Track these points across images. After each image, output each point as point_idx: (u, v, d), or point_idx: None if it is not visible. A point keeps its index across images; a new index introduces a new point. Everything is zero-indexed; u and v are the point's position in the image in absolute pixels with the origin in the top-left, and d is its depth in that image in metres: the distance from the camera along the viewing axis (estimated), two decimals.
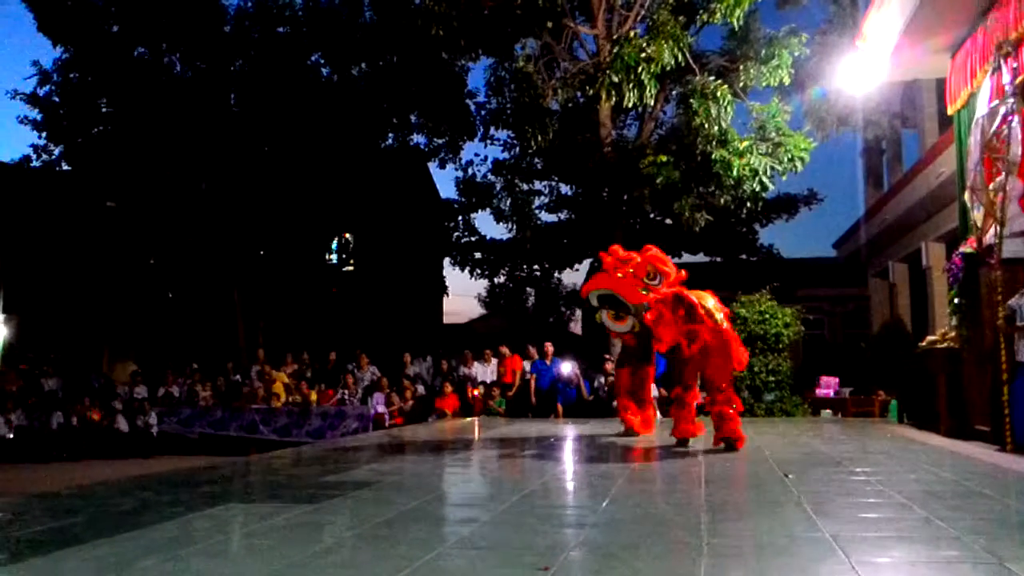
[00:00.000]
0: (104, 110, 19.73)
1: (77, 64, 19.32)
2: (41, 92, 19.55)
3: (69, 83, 19.46)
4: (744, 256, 20.90)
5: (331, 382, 15.08)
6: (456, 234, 20.15)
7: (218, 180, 19.50)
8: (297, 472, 6.54)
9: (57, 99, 19.57)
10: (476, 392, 13.59)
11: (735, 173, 13.34)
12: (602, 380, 13.10)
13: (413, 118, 19.41)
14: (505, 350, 14.08)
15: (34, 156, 20.26)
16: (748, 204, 14.53)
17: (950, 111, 9.32)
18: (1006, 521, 3.98)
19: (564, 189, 19.27)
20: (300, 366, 15.79)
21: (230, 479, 6.09)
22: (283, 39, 19.61)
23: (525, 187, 18.41)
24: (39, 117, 19.64)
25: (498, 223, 17.98)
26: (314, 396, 14.63)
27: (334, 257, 25.27)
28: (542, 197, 19.34)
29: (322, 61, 20.18)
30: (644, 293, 7.80)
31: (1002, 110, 7.21)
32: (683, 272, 8.25)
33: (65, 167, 20.50)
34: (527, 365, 13.64)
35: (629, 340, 8.60)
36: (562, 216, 19.55)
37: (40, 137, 19.87)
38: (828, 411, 13.31)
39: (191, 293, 22.22)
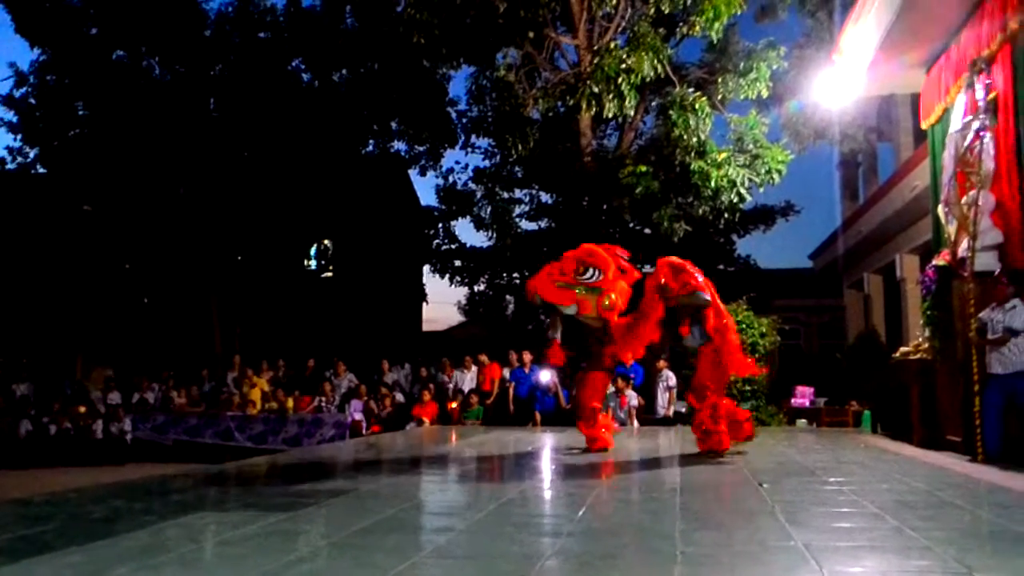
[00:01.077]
0: (81, 113, 19.54)
1: (55, 66, 19.14)
2: (17, 94, 19.36)
3: (46, 85, 19.27)
4: (722, 266, 21.01)
5: (308, 389, 14.98)
6: (436, 241, 20.13)
7: (196, 185, 19.37)
8: (272, 480, 6.51)
9: (34, 101, 19.36)
10: (454, 404, 13.54)
11: (713, 184, 13.46)
12: None
13: (394, 125, 19.39)
14: (484, 358, 14.07)
15: (9, 158, 20.06)
16: (726, 215, 14.67)
17: (924, 126, 9.48)
18: (976, 531, 4.03)
19: (544, 198, 19.34)
20: (276, 373, 15.69)
21: (204, 487, 6.04)
22: (264, 44, 19.53)
23: (505, 195, 18.45)
24: (15, 119, 19.43)
25: (478, 231, 18.01)
26: (290, 403, 14.53)
27: (313, 263, 25.14)
28: (522, 205, 19.40)
29: (303, 67, 20.12)
30: (571, 290, 7.24)
31: (975, 125, 7.34)
32: (636, 273, 7.67)
33: (41, 170, 20.29)
34: (506, 373, 13.64)
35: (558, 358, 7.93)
36: (542, 224, 19.60)
37: (16, 139, 19.68)
38: (803, 421, 13.41)
39: (168, 299, 22.02)
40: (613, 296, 7.27)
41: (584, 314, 7.33)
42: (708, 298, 7.24)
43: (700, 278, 7.29)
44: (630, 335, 7.44)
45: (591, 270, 7.25)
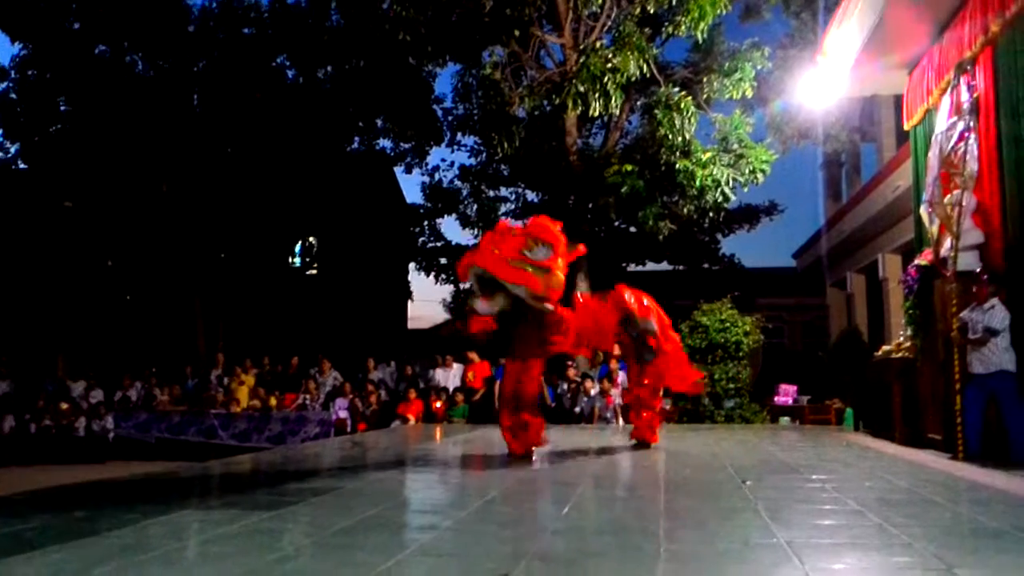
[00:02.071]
0: (63, 108, 19.39)
1: (36, 61, 18.96)
2: None
3: (27, 80, 19.09)
4: (706, 265, 21.15)
5: (292, 387, 14.94)
6: (421, 239, 20.12)
7: (179, 181, 19.25)
8: (256, 478, 6.48)
9: (15, 96, 19.19)
10: (439, 403, 13.51)
11: (698, 183, 13.50)
12: (564, 387, 13.15)
13: (379, 122, 19.34)
14: (474, 356, 14.01)
15: None
16: (710, 214, 14.73)
17: (906, 127, 9.55)
18: (956, 528, 4.08)
19: (530, 196, 19.36)
20: (261, 370, 15.61)
21: (187, 485, 6.01)
22: (248, 40, 19.43)
23: (491, 193, 18.45)
24: None
25: (464, 229, 18.00)
26: (274, 401, 14.47)
27: (297, 261, 25.05)
28: (508, 204, 19.38)
29: (288, 63, 20.03)
30: (522, 268, 6.64)
31: (960, 127, 7.41)
32: (580, 246, 7.29)
33: (22, 165, 20.11)
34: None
35: (487, 326, 7.15)
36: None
37: None
38: (786, 418, 13.48)
39: (150, 296, 21.88)
40: (559, 275, 6.82)
41: (535, 295, 6.74)
42: (655, 327, 7.70)
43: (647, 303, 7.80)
44: (583, 336, 7.53)
45: (542, 248, 6.74)
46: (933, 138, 8.11)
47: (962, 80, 7.52)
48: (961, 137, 7.34)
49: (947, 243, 7.48)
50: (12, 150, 19.75)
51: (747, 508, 4.46)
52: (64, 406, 14.58)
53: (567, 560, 3.26)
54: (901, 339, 8.95)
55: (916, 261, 8.23)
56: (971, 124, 7.29)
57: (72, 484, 5.80)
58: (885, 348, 9.54)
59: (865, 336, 15.88)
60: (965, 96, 7.43)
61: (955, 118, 7.54)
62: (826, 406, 13.37)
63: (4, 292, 20.96)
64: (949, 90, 7.84)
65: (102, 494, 5.17)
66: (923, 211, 8.35)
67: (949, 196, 7.52)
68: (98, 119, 18.50)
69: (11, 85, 19.19)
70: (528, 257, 6.67)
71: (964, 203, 7.24)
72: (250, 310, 21.77)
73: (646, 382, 8.00)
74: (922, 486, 5.33)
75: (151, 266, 20.58)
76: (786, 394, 14.22)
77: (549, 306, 6.92)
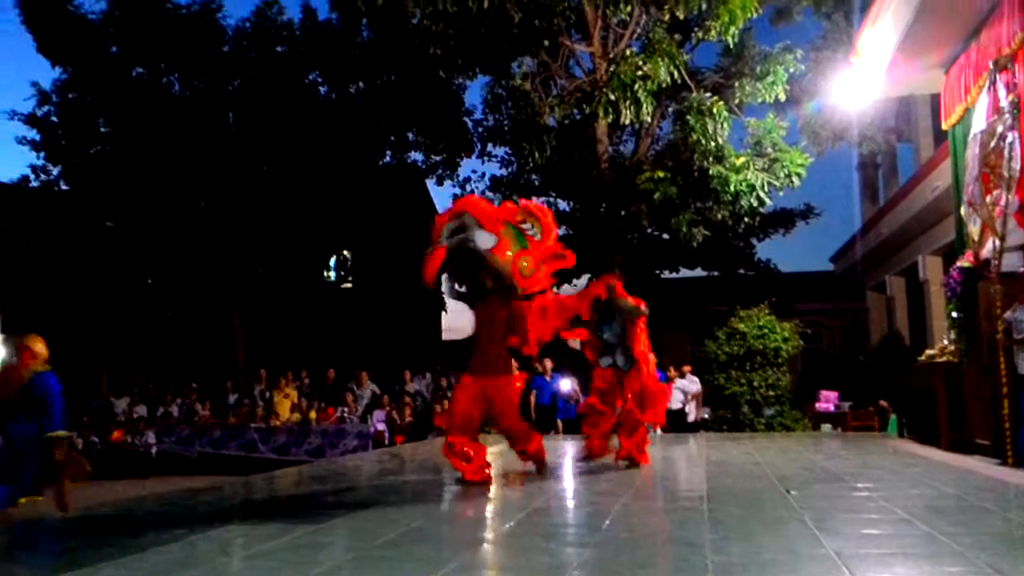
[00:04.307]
0: (103, 130, 19.78)
1: (76, 84, 19.40)
2: (40, 112, 19.61)
3: (68, 103, 19.52)
4: (742, 271, 20.95)
5: (331, 400, 15.06)
6: None
7: (217, 199, 19.55)
8: (298, 492, 6.54)
9: (56, 119, 19.62)
10: None
11: (732, 188, 13.41)
12: None
13: (411, 135, 19.47)
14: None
15: (33, 176, 20.30)
16: (745, 219, 14.60)
17: (944, 126, 9.39)
18: (1009, 536, 3.98)
19: (562, 205, 19.33)
20: (299, 384, 15.77)
21: (231, 500, 6.08)
22: (281, 58, 19.70)
23: None
24: (38, 137, 19.67)
25: None
26: (313, 414, 14.60)
27: (332, 275, 25.27)
28: None
29: (320, 80, 20.28)
30: (504, 226, 6.31)
31: (1000, 126, 7.27)
32: (569, 254, 6.86)
33: (64, 187, 20.54)
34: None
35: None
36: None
37: (39, 157, 19.90)
38: (828, 425, 13.31)
39: (190, 312, 22.21)
40: (533, 261, 6.41)
41: (499, 256, 6.24)
42: (644, 310, 7.21)
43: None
44: (541, 319, 6.76)
45: (532, 224, 6.46)
46: (971, 137, 7.97)
47: (999, 78, 7.39)
48: (1002, 137, 7.20)
49: (990, 244, 7.34)
50: (54, 172, 20.17)
51: (793, 518, 4.40)
52: (116, 434, 14.86)
53: (612, 571, 3.24)
54: (944, 343, 8.79)
55: (958, 263, 8.08)
56: (1011, 124, 7.16)
57: (119, 500, 5.91)
58: (928, 352, 9.38)
59: (907, 340, 15.62)
60: (1003, 95, 7.29)
61: (995, 117, 7.40)
62: (869, 412, 13.18)
63: (49, 311, 21.39)
64: (987, 89, 7.70)
65: (149, 510, 5.25)
66: (964, 211, 8.21)
67: (991, 196, 7.38)
68: (137, 140, 18.86)
69: (52, 109, 19.64)
70: (523, 230, 6.40)
71: (1006, 203, 7.11)
72: (288, 325, 22.01)
73: (629, 397, 7.29)
74: (971, 493, 5.22)
75: (190, 283, 20.90)
76: (827, 400, 14.04)
77: (517, 284, 6.39)
